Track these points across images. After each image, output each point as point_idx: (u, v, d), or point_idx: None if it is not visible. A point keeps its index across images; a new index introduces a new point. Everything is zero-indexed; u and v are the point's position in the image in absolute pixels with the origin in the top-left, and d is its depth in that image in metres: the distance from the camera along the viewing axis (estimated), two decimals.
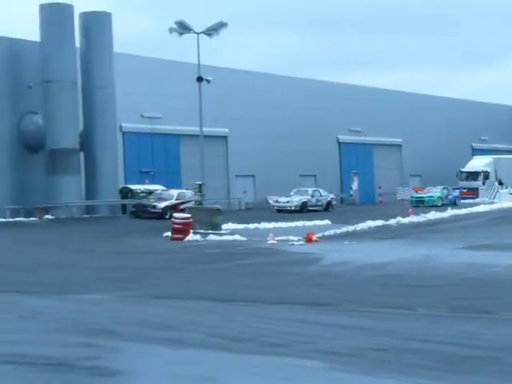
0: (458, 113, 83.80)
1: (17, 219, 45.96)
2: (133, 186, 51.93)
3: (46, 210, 47.92)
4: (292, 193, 56.05)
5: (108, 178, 50.65)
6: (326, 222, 39.76)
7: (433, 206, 55.77)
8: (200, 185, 43.54)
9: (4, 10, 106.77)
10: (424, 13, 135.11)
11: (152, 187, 52.29)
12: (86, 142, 50.53)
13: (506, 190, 66.60)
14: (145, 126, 55.75)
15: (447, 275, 18.71)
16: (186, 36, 42.44)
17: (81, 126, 50.65)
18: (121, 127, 53.80)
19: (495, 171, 72.56)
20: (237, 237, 32.01)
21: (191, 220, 32.23)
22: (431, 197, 60.44)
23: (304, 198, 55.01)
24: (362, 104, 72.22)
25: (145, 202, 47.71)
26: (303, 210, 53.16)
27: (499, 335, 11.44)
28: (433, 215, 42.82)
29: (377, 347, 10.46)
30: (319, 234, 31.46)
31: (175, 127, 56.73)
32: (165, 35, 41.78)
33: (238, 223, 38.24)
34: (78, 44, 50.60)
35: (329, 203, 57.33)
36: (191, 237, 31.41)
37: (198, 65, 43.02)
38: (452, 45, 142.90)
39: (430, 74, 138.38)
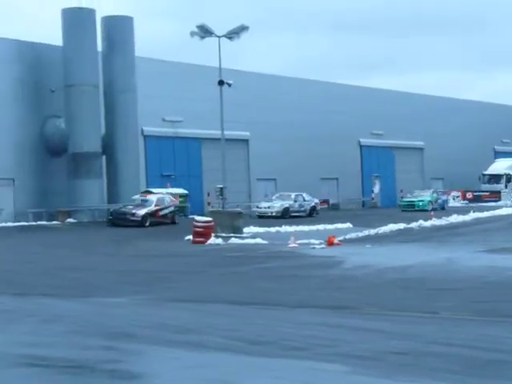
0: (480, 115, 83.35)
1: (39, 223, 46.20)
2: (154, 190, 52.03)
3: (69, 214, 48.11)
4: (274, 197, 53.78)
5: (130, 181, 50.77)
6: (348, 225, 39.65)
7: (423, 211, 54.75)
8: (221, 188, 43.53)
9: (27, 15, 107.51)
10: (446, 15, 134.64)
11: (173, 191, 52.36)
12: (108, 145, 50.70)
13: None
14: (166, 130, 55.87)
15: (469, 278, 18.61)
16: (207, 40, 42.50)
17: (103, 130, 50.83)
18: (142, 131, 53.96)
19: None
20: (258, 240, 31.98)
21: (213, 223, 32.25)
22: (422, 201, 59.13)
23: (286, 203, 52.08)
24: (383, 107, 72.02)
25: (123, 209, 44.25)
26: (285, 216, 50.26)
27: None
28: (455, 218, 42.65)
29: (398, 351, 10.40)
30: (341, 238, 31.37)
31: (197, 131, 56.80)
32: (186, 39, 41.84)
33: (259, 226, 38.24)
34: (99, 48, 50.81)
35: (313, 208, 54.26)
36: (213, 240, 31.41)
37: (220, 68, 43.06)
38: (474, 47, 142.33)
39: (453, 77, 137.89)
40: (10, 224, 45.18)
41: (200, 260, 25.17)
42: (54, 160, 49.74)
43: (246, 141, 61.13)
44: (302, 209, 53.50)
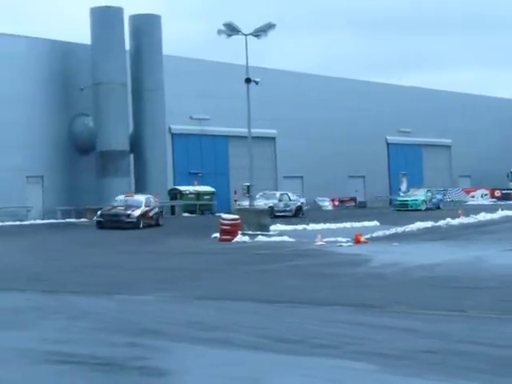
0: (509, 113, 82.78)
1: (68, 220, 46.53)
2: (182, 188, 52.18)
3: (96, 212, 48.32)
4: (258, 196, 50.58)
5: (157, 179, 50.99)
6: (375, 223, 39.54)
7: (416, 210, 53.88)
8: (248, 186, 43.52)
9: (55, 14, 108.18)
10: (475, 12, 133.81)
11: (201, 188, 52.47)
12: (136, 143, 50.91)
13: None
14: (194, 128, 56.03)
15: (497, 277, 18.48)
16: (234, 38, 42.50)
17: (131, 128, 51.05)
18: (170, 129, 54.15)
19: None
20: (285, 238, 31.96)
21: (239, 221, 32.29)
22: (415, 200, 58.01)
23: (270, 202, 49.50)
24: (411, 105, 71.76)
25: (114, 210, 40.55)
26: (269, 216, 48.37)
27: None
28: (483, 216, 42.41)
29: (426, 349, 10.36)
30: (368, 236, 31.28)
31: (224, 128, 56.90)
32: (213, 37, 41.86)
33: (286, 224, 38.22)
34: (127, 46, 51.03)
35: (299, 208, 51.97)
36: (239, 238, 31.44)
37: (247, 66, 43.03)
38: (502, 45, 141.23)
39: (481, 74, 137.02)
40: (38, 221, 45.59)
41: (227, 258, 25.19)
42: (83, 158, 50.06)
43: (272, 138, 61.15)
44: (288, 208, 51.39)
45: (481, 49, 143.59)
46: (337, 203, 63.06)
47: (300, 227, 37.66)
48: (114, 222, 39.30)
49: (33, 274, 20.64)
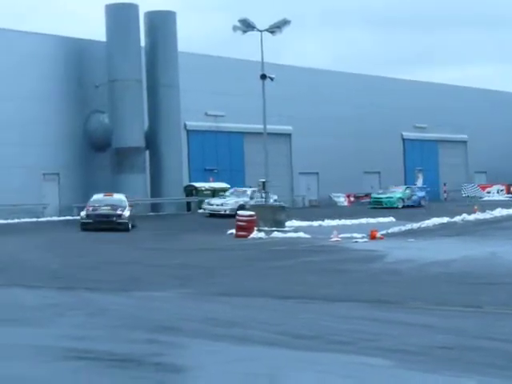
0: None
1: None
2: (197, 184, 52.24)
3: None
4: (228, 193, 48.79)
5: (173, 175, 51.03)
6: (390, 219, 39.52)
7: (393, 208, 52.02)
8: (264, 182, 43.53)
9: (70, 11, 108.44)
10: (493, 8, 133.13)
11: (216, 185, 52.50)
12: (151, 140, 50.98)
13: None
14: (209, 124, 56.05)
15: None
16: (250, 34, 42.50)
17: (146, 125, 51.13)
18: (185, 125, 54.18)
19: None
20: (301, 234, 32.00)
21: (255, 217, 32.33)
22: (390, 198, 55.80)
23: (241, 201, 46.17)
24: (426, 100, 71.48)
25: (101, 211, 36.72)
26: None
27: None
28: (499, 212, 42.28)
29: (442, 345, 10.38)
30: (383, 232, 31.28)
31: (239, 125, 56.88)
32: (229, 34, 41.88)
33: (301, 220, 38.23)
34: (142, 43, 51.09)
35: None
36: (255, 234, 31.51)
37: (262, 62, 43.04)
38: None
39: (496, 70, 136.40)
40: (55, 218, 45.71)
41: (243, 254, 25.25)
42: (98, 155, 50.16)
43: (288, 135, 61.09)
44: None
45: (495, 44, 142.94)
46: (352, 199, 62.96)
47: (316, 223, 37.69)
48: (105, 223, 36.03)
49: (50, 270, 20.75)
